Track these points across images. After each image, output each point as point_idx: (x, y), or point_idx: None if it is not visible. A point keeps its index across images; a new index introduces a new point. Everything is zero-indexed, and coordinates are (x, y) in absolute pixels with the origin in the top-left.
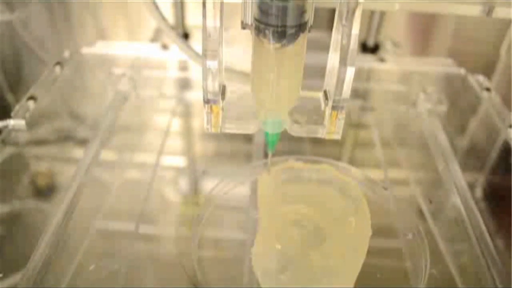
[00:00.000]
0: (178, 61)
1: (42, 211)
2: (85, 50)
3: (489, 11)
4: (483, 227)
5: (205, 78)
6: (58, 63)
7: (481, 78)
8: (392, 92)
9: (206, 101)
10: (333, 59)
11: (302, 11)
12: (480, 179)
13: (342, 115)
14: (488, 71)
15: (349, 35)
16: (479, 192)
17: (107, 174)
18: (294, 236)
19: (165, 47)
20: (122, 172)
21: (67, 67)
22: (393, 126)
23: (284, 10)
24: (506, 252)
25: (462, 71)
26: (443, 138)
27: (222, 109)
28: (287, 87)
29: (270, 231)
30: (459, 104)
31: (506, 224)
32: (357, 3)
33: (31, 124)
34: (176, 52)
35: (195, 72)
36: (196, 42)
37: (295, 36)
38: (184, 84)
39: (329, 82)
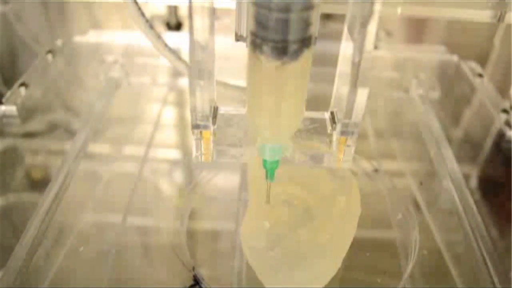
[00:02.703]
0: None
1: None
2: (77, 38)
3: (500, 17)
4: (475, 208)
5: (193, 100)
6: (50, 51)
7: (473, 64)
8: (385, 79)
9: (195, 126)
10: (341, 77)
11: (306, 24)
12: (471, 161)
13: (352, 142)
14: (482, 61)
15: (361, 52)
16: (469, 175)
17: (96, 164)
18: (283, 215)
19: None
20: (112, 162)
21: (59, 55)
22: (385, 112)
23: (285, 23)
24: (496, 234)
25: (455, 57)
26: (435, 123)
27: (214, 134)
28: (288, 111)
29: (259, 210)
30: (452, 89)
31: (499, 207)
32: (371, 12)
33: (22, 111)
34: (168, 41)
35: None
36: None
37: (298, 53)
38: (177, 72)
39: (337, 103)
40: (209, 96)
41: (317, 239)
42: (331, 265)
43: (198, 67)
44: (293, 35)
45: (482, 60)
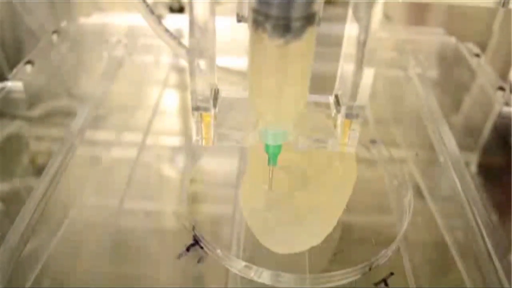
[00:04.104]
0: (173, 31)
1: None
2: (82, 20)
3: (504, 2)
4: (469, 179)
5: (193, 81)
6: (55, 31)
7: (470, 45)
8: (384, 59)
9: (195, 108)
10: (346, 58)
11: (310, 0)
12: (467, 136)
13: (356, 125)
14: (481, 47)
15: (366, 31)
16: (466, 149)
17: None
18: (281, 179)
19: (160, 17)
20: (116, 139)
21: (64, 36)
22: (384, 90)
23: None
24: (495, 212)
25: (453, 39)
26: (433, 100)
27: (215, 117)
28: (291, 92)
29: (258, 173)
30: (450, 69)
31: (497, 182)
32: None
33: (28, 87)
34: (170, 22)
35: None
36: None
37: (301, 30)
38: None
39: (342, 85)
40: (210, 78)
41: (313, 201)
42: (326, 225)
43: (198, 48)
44: (296, 11)
45: (481, 44)
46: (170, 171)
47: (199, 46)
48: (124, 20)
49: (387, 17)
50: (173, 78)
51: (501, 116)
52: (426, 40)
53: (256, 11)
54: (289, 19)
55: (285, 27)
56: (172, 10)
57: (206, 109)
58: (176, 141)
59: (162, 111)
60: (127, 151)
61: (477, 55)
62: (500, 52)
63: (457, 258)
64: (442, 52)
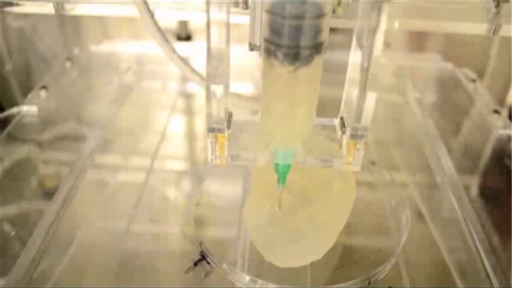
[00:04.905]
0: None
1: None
2: (93, 47)
3: (495, 30)
4: (467, 202)
5: (209, 104)
6: (68, 58)
7: (467, 71)
8: (384, 84)
9: (211, 130)
10: (350, 83)
11: (317, 31)
12: (462, 157)
13: (361, 145)
14: (479, 74)
15: (369, 57)
16: (460, 167)
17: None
18: (284, 198)
19: None
20: (125, 161)
21: (76, 62)
22: (383, 113)
23: (297, 29)
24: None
25: (450, 65)
26: (430, 124)
27: (228, 138)
28: (300, 115)
29: (262, 193)
30: (447, 93)
31: (491, 200)
32: (378, 22)
33: (42, 111)
34: (178, 50)
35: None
36: (198, 42)
37: (310, 58)
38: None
39: (347, 108)
40: (224, 101)
41: (314, 218)
42: (326, 241)
43: (215, 74)
44: (305, 41)
45: (477, 69)
46: (177, 194)
47: (215, 72)
48: (133, 48)
49: (386, 44)
50: (180, 103)
51: (497, 138)
52: (423, 66)
53: (268, 41)
54: (299, 48)
55: (295, 56)
56: (179, 38)
57: (221, 131)
58: (182, 165)
59: (170, 135)
60: (135, 174)
61: (473, 80)
62: (497, 77)
63: (455, 276)
64: (439, 77)
